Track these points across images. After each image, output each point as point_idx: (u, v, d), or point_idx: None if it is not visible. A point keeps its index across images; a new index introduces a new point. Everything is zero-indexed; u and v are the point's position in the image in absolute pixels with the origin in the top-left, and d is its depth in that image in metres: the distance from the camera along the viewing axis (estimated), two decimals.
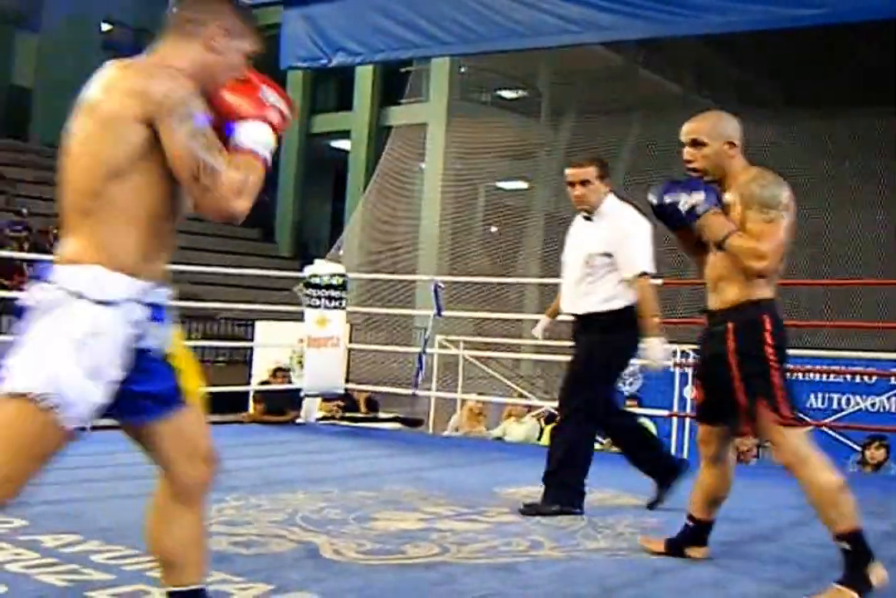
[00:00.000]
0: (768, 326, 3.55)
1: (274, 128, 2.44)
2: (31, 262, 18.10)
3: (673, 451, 9.22)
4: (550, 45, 7.88)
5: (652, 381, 10.21)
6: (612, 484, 5.59)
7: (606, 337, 4.94)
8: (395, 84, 22.03)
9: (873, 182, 15.40)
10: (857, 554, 3.41)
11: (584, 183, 4.97)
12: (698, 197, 3.51)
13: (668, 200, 3.57)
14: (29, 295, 2.27)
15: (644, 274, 4.92)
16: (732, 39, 12.58)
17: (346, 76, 24.30)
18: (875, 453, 7.59)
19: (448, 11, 7.35)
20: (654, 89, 19.48)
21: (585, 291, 4.99)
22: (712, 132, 3.61)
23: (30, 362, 2.22)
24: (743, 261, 3.47)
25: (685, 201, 3.52)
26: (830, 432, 9.00)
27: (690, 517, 3.95)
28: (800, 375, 9.49)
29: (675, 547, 3.98)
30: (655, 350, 4.84)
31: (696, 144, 3.61)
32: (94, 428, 2.42)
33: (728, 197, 3.57)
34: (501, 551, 3.99)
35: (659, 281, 10.14)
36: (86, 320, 2.24)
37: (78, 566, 3.43)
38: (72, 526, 4.04)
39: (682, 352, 9.31)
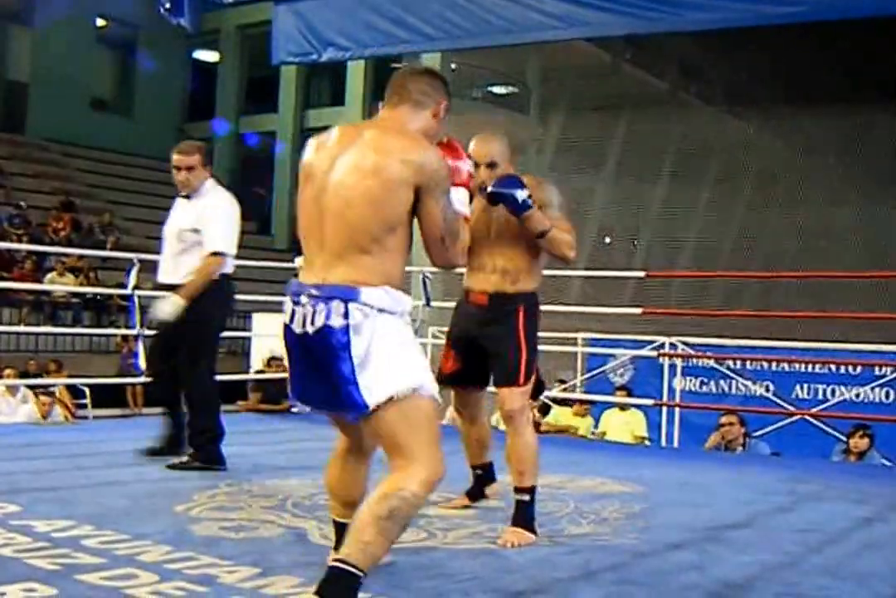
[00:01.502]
0: (539, 311, 4.32)
1: (468, 189, 3.12)
2: (32, 254, 18.22)
3: (663, 440, 9.31)
4: (536, 41, 7.94)
5: (641, 372, 10.29)
6: (599, 472, 5.70)
7: (200, 305, 5.37)
8: (386, 79, 22.01)
9: (856, 178, 15.48)
10: (532, 505, 4.12)
11: (189, 169, 5.50)
12: (527, 193, 4.02)
13: (506, 191, 4.03)
14: (335, 315, 2.79)
15: (218, 254, 5.43)
16: (718, 37, 12.62)
17: (339, 72, 24.36)
18: (859, 442, 7.63)
19: (435, 7, 7.39)
20: (641, 86, 19.53)
21: (178, 263, 5.49)
22: (503, 155, 4.26)
23: (417, 368, 2.87)
24: (562, 250, 4.16)
25: (521, 195, 4.01)
26: (815, 421, 9.08)
27: (474, 467, 4.66)
28: (786, 365, 9.57)
29: (475, 495, 4.67)
30: (164, 303, 5.33)
31: (492, 165, 4.20)
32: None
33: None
34: (487, 536, 4.06)
35: (641, 273, 10.21)
36: (407, 331, 2.91)
37: (69, 550, 3.49)
38: (64, 512, 4.11)
39: (672, 344, 9.39)
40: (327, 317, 2.79)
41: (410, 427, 2.84)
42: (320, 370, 2.85)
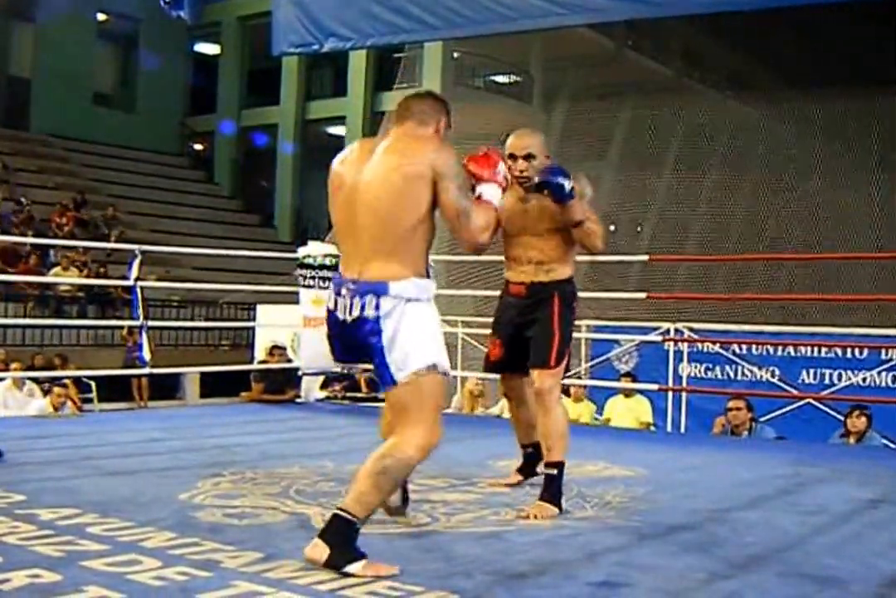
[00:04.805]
0: (576, 298, 4.61)
1: (503, 188, 3.66)
2: (36, 249, 18.29)
3: (669, 426, 9.31)
4: (538, 28, 7.86)
5: (647, 358, 10.27)
6: (603, 457, 5.70)
7: None
8: (388, 70, 22.07)
9: (863, 161, 15.44)
10: (559, 480, 4.32)
11: None
12: (571, 184, 4.27)
13: (555, 180, 4.26)
14: (369, 307, 3.29)
15: None
16: (721, 22, 12.61)
17: (340, 62, 24.36)
18: (856, 422, 7.52)
19: None
20: (644, 73, 19.53)
21: None
22: (540, 147, 4.52)
23: (433, 348, 3.33)
24: (593, 241, 4.45)
25: (567, 184, 4.25)
26: (821, 406, 9.05)
27: (524, 446, 4.90)
28: (791, 350, 9.56)
29: (527, 472, 4.88)
30: None
31: (529, 157, 4.46)
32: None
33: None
34: (490, 520, 4.06)
35: (645, 257, 10.20)
36: (430, 315, 3.37)
37: (73, 538, 3.50)
38: (69, 500, 4.12)
39: (677, 330, 9.39)
40: (362, 309, 3.30)
41: (420, 400, 3.30)
42: (358, 350, 3.39)
